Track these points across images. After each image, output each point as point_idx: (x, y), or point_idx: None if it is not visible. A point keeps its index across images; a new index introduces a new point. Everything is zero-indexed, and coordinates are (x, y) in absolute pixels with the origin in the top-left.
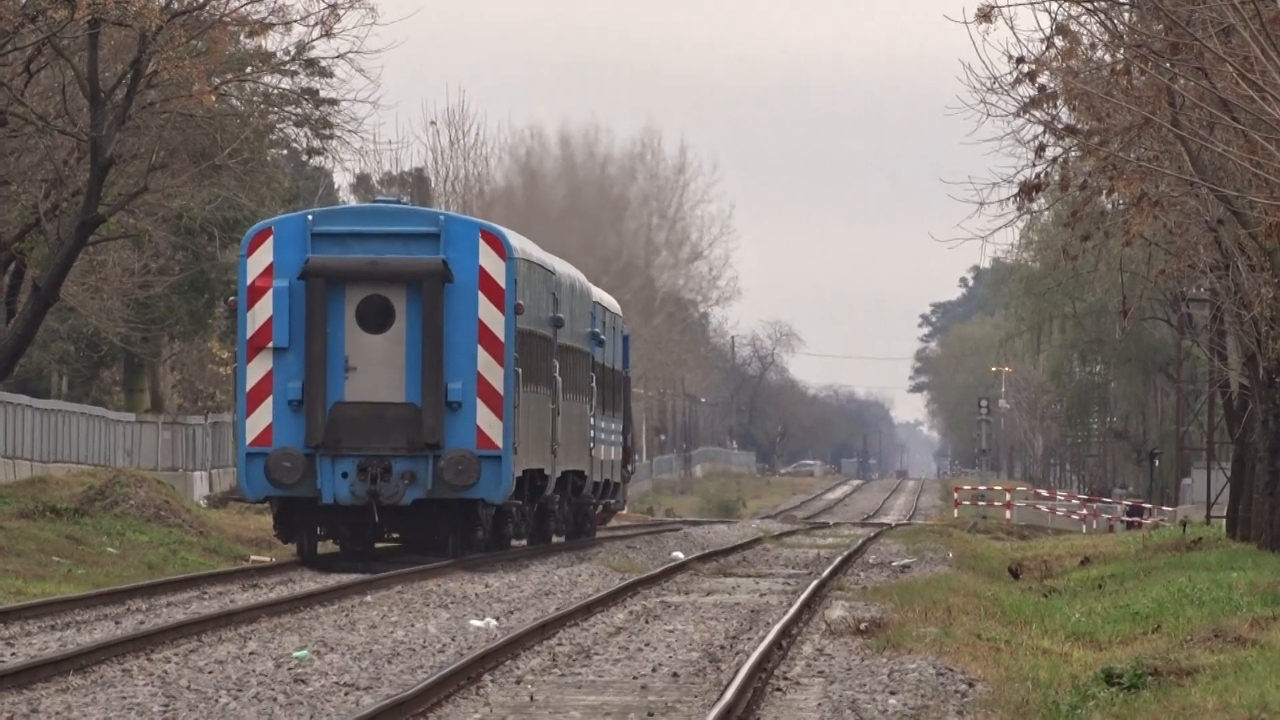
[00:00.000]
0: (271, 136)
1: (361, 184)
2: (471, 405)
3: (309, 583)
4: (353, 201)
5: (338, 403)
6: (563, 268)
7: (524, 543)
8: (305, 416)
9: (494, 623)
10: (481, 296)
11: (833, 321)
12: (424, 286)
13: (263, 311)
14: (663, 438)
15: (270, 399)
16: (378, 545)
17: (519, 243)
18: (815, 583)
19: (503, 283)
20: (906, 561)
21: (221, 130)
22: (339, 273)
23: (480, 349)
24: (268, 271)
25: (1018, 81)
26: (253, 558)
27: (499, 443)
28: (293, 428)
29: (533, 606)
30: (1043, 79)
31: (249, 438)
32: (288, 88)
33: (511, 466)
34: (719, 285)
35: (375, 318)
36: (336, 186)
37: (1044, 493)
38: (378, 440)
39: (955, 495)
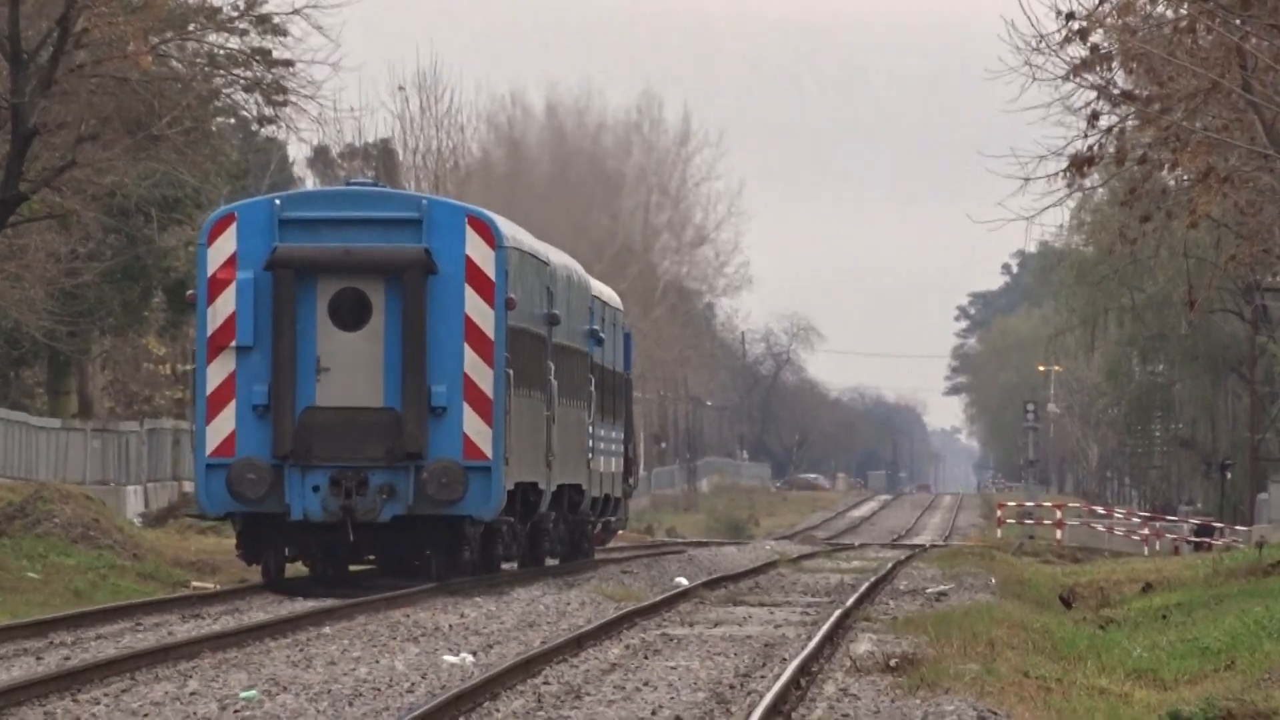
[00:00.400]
0: (217, 103)
1: (320, 157)
2: (458, 411)
3: (258, 612)
4: (310, 176)
5: (308, 408)
6: (558, 257)
7: (514, 565)
8: (272, 423)
9: (470, 658)
10: (469, 290)
11: (857, 314)
12: (404, 278)
13: (225, 306)
14: (663, 446)
15: (233, 404)
16: (350, 568)
17: (510, 230)
18: (838, 613)
19: (492, 274)
20: (943, 588)
21: (160, 96)
22: (310, 263)
23: (467, 348)
24: (230, 262)
25: (1067, 40)
26: (194, 584)
27: (488, 453)
28: (258, 436)
29: (515, 640)
30: (1096, 38)
31: (209, 447)
32: (236, 48)
33: (502, 479)
34: (727, 273)
35: (350, 313)
36: (291, 160)
37: (1100, 509)
38: (353, 450)
39: (998, 513)
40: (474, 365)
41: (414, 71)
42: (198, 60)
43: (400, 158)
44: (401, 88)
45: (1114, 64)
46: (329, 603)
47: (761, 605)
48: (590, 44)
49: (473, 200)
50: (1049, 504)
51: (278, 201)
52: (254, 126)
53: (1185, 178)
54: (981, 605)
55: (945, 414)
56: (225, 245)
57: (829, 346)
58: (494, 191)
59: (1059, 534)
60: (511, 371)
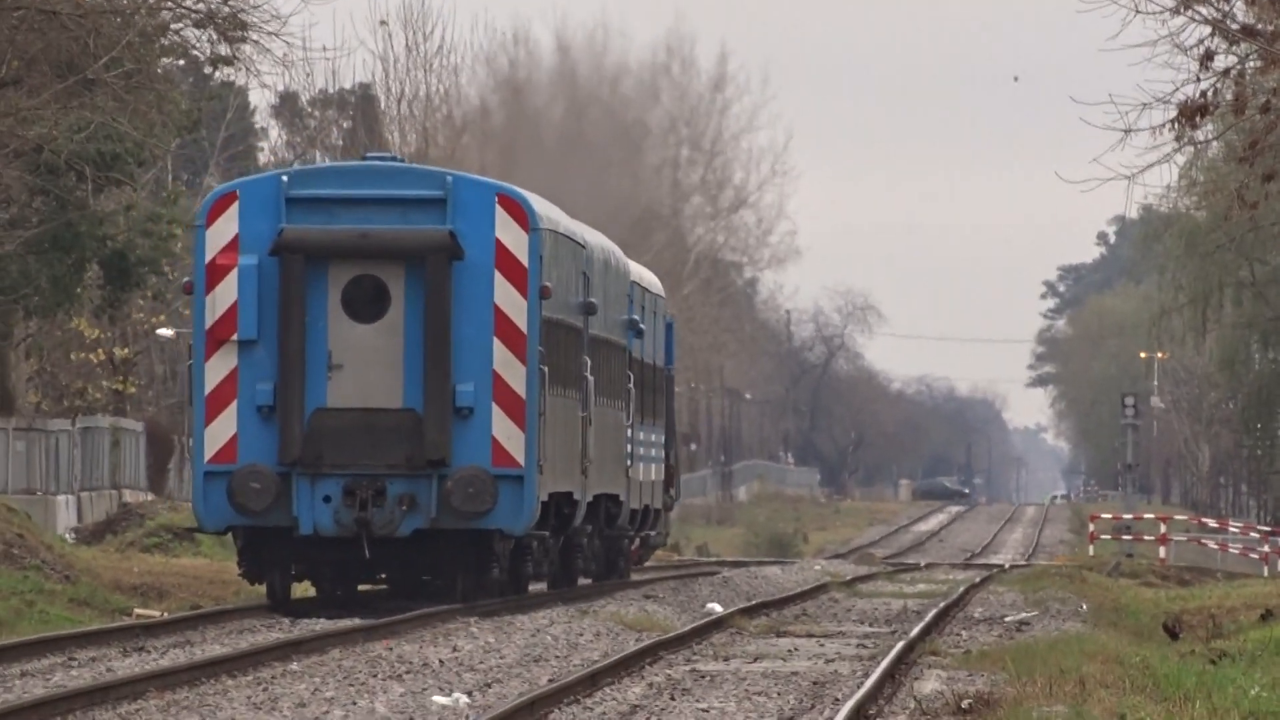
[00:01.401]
0: (163, 41)
1: (286, 105)
2: (486, 412)
3: (214, 645)
4: (274, 127)
5: (319, 409)
6: (594, 238)
7: (544, 586)
8: (278, 426)
9: (465, 699)
10: (498, 277)
11: (924, 291)
12: (427, 264)
13: (225, 296)
14: (694, 448)
15: (234, 405)
16: (359, 589)
17: (544, 209)
18: (901, 645)
19: (524, 260)
20: (1025, 616)
21: (95, 33)
22: (321, 247)
23: (497, 342)
24: (232, 246)
25: None
26: (138, 611)
27: (520, 459)
28: (263, 440)
29: (518, 677)
30: None
31: (208, 453)
32: None
33: (535, 489)
34: (770, 242)
35: (366, 303)
36: (252, 108)
37: (1212, 523)
38: (368, 456)
39: (1091, 526)
40: (504, 361)
41: (398, 4)
42: None
43: (382, 106)
44: (383, 22)
45: None
46: (295, 634)
47: (810, 636)
48: None
49: (468, 156)
50: (1151, 516)
51: (285, 178)
52: (207, 69)
53: None
54: (1070, 636)
55: (1028, 410)
56: (226, 227)
57: (890, 329)
58: (494, 145)
59: (1163, 552)
60: (546, 368)
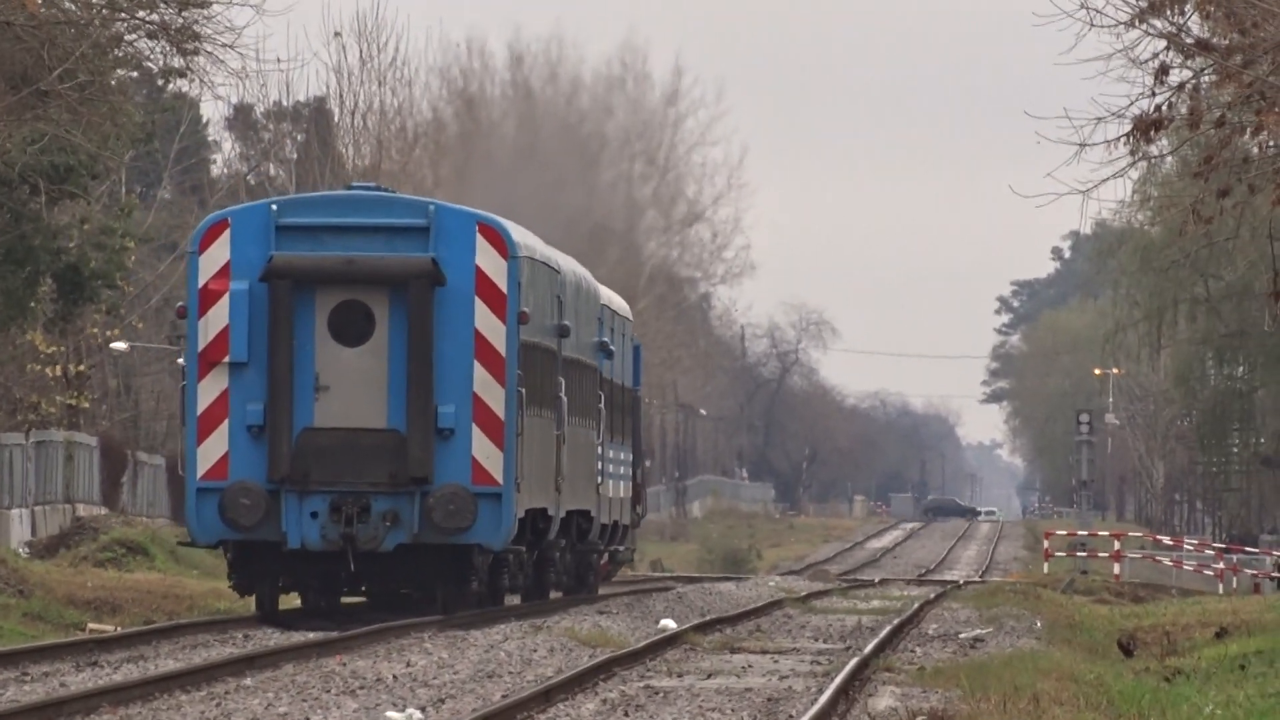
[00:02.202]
0: (117, 52)
1: (240, 117)
2: (466, 432)
3: (167, 660)
4: (228, 139)
5: (306, 428)
6: (567, 263)
7: (517, 599)
8: (268, 445)
9: (418, 715)
10: (478, 302)
11: (878, 307)
12: (410, 290)
13: (217, 319)
14: (648, 464)
15: (226, 424)
16: (340, 601)
17: (522, 237)
18: (855, 661)
19: (503, 286)
20: (979, 632)
21: (50, 44)
22: (309, 273)
23: (477, 365)
24: (224, 271)
25: None
26: (91, 626)
27: (498, 477)
28: (253, 458)
29: (471, 693)
30: None
31: (200, 470)
32: None
33: (514, 506)
34: (725, 257)
35: (352, 327)
36: (205, 120)
37: (1166, 540)
38: (354, 473)
39: (1045, 543)
40: (484, 384)
41: (352, 15)
42: (95, 1)
43: (336, 118)
44: (337, 34)
45: (1187, 7)
46: (249, 649)
47: (764, 652)
48: None
49: (420, 169)
50: (1105, 533)
51: (274, 206)
52: (161, 81)
53: (1272, 144)
54: (1025, 652)
55: (983, 426)
56: (218, 254)
57: (844, 345)
58: (448, 158)
59: (1117, 568)
60: (523, 390)
